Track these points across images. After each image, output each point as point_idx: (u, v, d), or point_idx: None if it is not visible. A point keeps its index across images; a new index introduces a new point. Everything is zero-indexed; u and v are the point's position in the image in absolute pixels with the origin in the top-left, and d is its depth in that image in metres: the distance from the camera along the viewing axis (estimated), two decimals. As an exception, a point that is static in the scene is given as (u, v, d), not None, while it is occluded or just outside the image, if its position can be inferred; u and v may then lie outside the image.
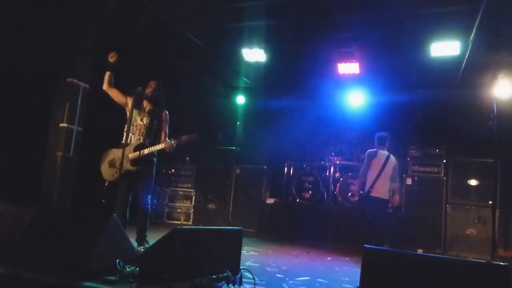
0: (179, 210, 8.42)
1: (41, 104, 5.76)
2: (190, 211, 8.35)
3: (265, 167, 8.32)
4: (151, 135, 4.58)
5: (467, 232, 6.51)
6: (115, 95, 4.64)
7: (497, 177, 5.23)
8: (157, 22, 6.23)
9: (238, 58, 7.30)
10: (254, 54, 7.09)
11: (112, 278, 2.95)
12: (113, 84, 4.64)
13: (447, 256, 2.68)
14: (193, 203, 8.39)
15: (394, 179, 6.07)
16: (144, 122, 4.57)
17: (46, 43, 5.72)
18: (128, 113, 4.58)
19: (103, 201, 4.38)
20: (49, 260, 3.14)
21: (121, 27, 6.20)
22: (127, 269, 3.11)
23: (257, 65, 7.47)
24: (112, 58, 4.57)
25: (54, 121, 5.56)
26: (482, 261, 2.60)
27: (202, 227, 3.81)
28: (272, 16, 5.97)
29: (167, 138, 4.61)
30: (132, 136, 4.52)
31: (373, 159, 6.16)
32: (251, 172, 8.27)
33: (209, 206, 8.31)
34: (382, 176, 5.97)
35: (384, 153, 6.20)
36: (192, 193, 8.42)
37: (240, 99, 9.46)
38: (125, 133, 4.48)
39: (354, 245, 6.71)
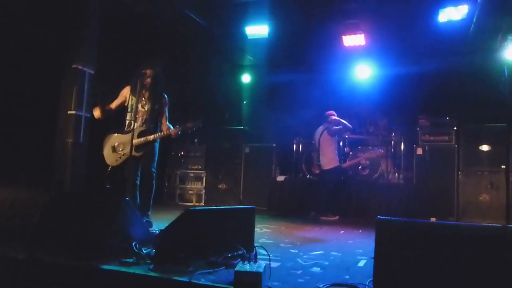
0: (190, 192, 8.47)
1: (48, 90, 5.76)
2: (202, 192, 8.41)
3: (274, 144, 8.30)
4: (153, 121, 4.68)
5: (480, 199, 6.47)
6: (115, 105, 4.76)
7: (509, 141, 5.15)
8: (160, 2, 6.15)
9: (242, 35, 7.21)
10: (257, 30, 6.99)
11: (129, 260, 2.99)
12: (107, 109, 4.74)
13: (462, 223, 2.68)
14: (204, 184, 8.43)
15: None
16: (146, 109, 4.65)
17: (50, 30, 5.69)
18: (128, 101, 4.66)
19: (107, 186, 4.47)
20: (65, 243, 3.20)
21: (125, 9, 6.12)
22: (144, 251, 3.15)
23: (261, 41, 7.37)
24: (97, 116, 4.67)
25: (62, 108, 5.59)
26: (497, 225, 2.58)
27: (214, 207, 3.84)
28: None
29: (168, 124, 4.72)
30: (134, 123, 4.57)
31: (314, 138, 7.28)
32: (260, 150, 8.26)
33: (220, 186, 8.35)
34: (320, 150, 7.06)
35: (319, 129, 7.15)
36: (202, 174, 8.46)
37: (246, 78, 9.38)
38: (127, 121, 4.57)
39: (366, 218, 6.75)
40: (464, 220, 6.45)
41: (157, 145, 4.77)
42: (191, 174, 8.52)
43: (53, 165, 5.55)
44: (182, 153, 8.62)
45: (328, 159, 7.01)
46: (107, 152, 4.66)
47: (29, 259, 3.03)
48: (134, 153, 4.44)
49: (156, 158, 4.79)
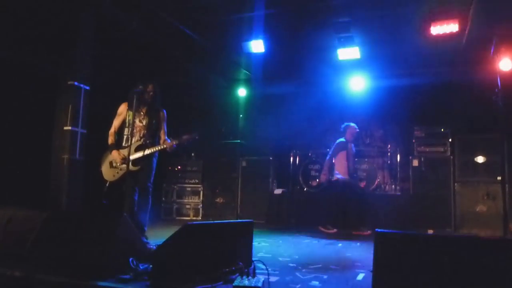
0: (188, 206, 8.45)
1: (44, 108, 5.77)
2: (199, 206, 8.38)
3: (270, 158, 8.30)
4: (151, 135, 4.69)
5: (477, 209, 6.49)
6: (118, 126, 4.74)
7: (504, 152, 5.19)
8: (155, 17, 6.20)
9: (237, 50, 7.26)
10: (253, 45, 7.04)
11: (126, 276, 2.97)
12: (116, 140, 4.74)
13: (459, 235, 2.67)
14: (201, 198, 8.41)
15: None
16: (144, 124, 4.66)
17: (44, 46, 5.71)
18: (126, 117, 4.68)
19: (104, 202, 4.45)
20: (62, 261, 3.17)
21: (118, 26, 6.16)
22: (141, 267, 3.13)
23: (256, 56, 7.42)
24: (121, 157, 4.60)
25: (57, 125, 5.58)
26: (496, 237, 2.59)
27: (212, 221, 3.85)
28: (269, 6, 5.93)
29: (167, 138, 4.72)
30: (133, 138, 4.58)
31: None
32: (257, 163, 8.26)
33: (218, 200, 8.32)
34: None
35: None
36: (199, 189, 8.44)
37: (242, 92, 9.42)
38: (125, 136, 4.57)
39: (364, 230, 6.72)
40: (462, 231, 6.46)
41: (155, 160, 4.76)
42: (188, 189, 8.50)
43: (49, 182, 5.51)
44: (179, 167, 8.61)
45: (337, 171, 6.92)
46: (105, 168, 4.66)
47: (26, 278, 3.00)
48: (131, 167, 4.44)
49: (153, 172, 4.78)
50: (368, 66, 7.97)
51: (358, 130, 7.05)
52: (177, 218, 8.35)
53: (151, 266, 3.16)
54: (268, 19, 6.49)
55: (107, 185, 4.57)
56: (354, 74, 8.31)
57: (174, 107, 4.91)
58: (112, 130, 4.76)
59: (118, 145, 4.66)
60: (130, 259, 3.16)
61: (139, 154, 4.51)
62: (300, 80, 8.85)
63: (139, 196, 4.63)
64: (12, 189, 5.13)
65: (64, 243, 3.34)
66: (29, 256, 3.37)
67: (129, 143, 4.49)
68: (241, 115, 9.19)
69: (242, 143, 8.64)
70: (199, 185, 8.46)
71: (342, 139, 6.99)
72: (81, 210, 5.49)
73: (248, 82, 9.44)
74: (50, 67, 5.82)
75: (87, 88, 5.70)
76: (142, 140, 4.60)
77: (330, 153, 7.00)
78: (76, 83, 5.58)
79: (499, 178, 6.13)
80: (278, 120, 8.82)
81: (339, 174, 6.83)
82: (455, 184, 6.69)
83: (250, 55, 7.43)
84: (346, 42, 6.85)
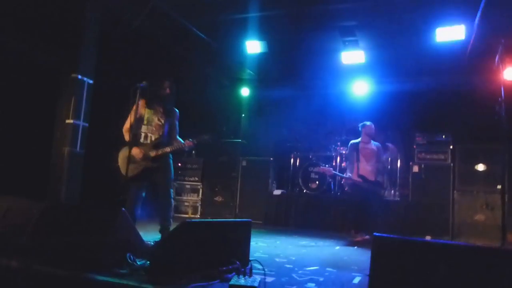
0: (186, 204, 8.45)
1: (46, 100, 5.78)
2: (198, 204, 8.38)
3: (271, 158, 8.31)
4: (169, 133, 4.72)
5: (475, 218, 6.48)
6: (132, 122, 4.60)
7: (505, 161, 5.17)
8: (160, 15, 6.21)
9: (242, 50, 7.27)
10: (257, 46, 7.05)
11: (123, 271, 2.97)
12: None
13: (457, 242, 2.67)
14: (200, 196, 8.41)
15: None
16: (162, 122, 4.67)
17: (49, 39, 5.72)
18: (143, 114, 4.65)
19: (121, 197, 4.46)
20: (59, 253, 3.17)
21: (124, 21, 6.17)
22: (138, 263, 3.13)
23: (260, 56, 7.44)
24: (138, 155, 4.53)
25: (60, 117, 5.58)
26: (495, 246, 2.58)
27: (210, 219, 3.85)
28: (275, 6, 5.94)
29: (178, 137, 4.74)
30: (152, 135, 4.60)
31: None
32: (257, 164, 8.26)
33: (216, 198, 8.33)
34: None
35: None
36: (199, 186, 8.44)
37: (245, 91, 9.43)
38: (143, 133, 4.56)
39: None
40: (459, 240, 6.44)
41: (171, 160, 4.77)
42: (188, 186, 8.50)
43: (48, 174, 5.52)
44: (179, 164, 8.61)
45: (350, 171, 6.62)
46: (122, 164, 4.61)
47: (22, 269, 3.00)
48: (149, 164, 4.47)
49: (172, 171, 4.78)
50: (371, 71, 7.99)
51: (373, 129, 6.59)
52: (175, 215, 8.33)
53: (148, 262, 3.17)
54: (273, 20, 6.51)
55: (123, 181, 4.55)
56: (357, 78, 8.31)
57: (176, 105, 4.90)
58: (127, 126, 4.70)
59: (135, 142, 4.61)
60: (128, 254, 3.16)
61: (159, 151, 4.53)
62: (303, 82, 8.86)
63: (161, 198, 4.65)
64: (11, 179, 5.13)
65: (62, 234, 3.34)
66: (26, 246, 3.37)
67: (147, 140, 4.52)
68: (243, 115, 9.20)
69: (243, 143, 8.65)
70: (198, 183, 8.46)
71: (352, 141, 6.72)
72: (79, 203, 5.50)
73: (251, 82, 9.45)
74: (54, 59, 5.82)
75: (91, 82, 5.71)
76: (160, 138, 4.61)
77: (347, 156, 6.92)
78: (79, 77, 5.58)
79: (499, 187, 6.12)
80: (280, 121, 8.83)
81: (350, 174, 6.53)
82: (455, 192, 6.68)
83: (253, 56, 7.44)
84: (351, 45, 6.86)
